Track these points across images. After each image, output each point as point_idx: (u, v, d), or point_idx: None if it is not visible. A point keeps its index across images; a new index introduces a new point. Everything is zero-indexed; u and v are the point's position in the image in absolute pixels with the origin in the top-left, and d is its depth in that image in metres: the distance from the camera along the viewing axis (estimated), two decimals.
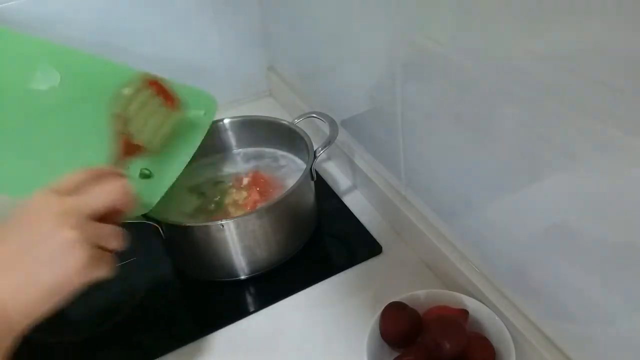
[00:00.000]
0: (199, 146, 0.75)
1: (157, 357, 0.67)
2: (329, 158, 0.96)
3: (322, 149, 0.76)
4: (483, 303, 0.62)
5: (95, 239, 0.46)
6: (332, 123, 0.79)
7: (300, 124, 0.82)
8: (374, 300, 0.69)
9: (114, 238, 0.49)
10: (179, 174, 0.67)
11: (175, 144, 0.69)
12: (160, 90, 0.66)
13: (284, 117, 0.86)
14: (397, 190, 0.78)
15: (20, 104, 0.66)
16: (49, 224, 0.44)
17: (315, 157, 0.75)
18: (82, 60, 0.72)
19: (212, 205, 0.80)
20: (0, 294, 0.44)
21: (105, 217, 0.49)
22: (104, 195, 0.49)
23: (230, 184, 0.83)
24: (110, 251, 0.49)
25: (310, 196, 0.79)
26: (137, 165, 0.64)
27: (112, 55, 0.77)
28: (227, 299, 0.74)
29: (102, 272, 0.47)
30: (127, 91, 0.62)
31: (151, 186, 0.65)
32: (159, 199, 0.65)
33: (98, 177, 0.50)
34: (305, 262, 0.77)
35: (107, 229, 0.48)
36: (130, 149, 0.61)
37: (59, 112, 0.67)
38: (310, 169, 0.75)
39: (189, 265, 0.77)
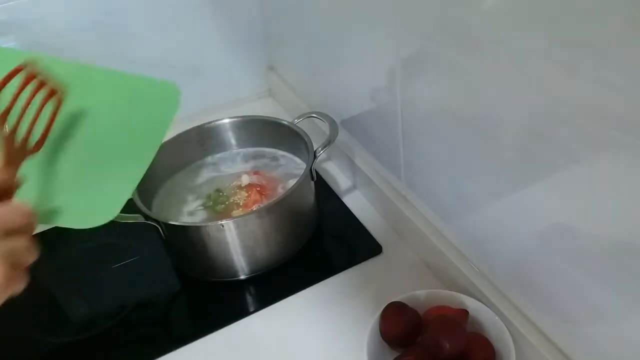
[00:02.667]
0: (201, 147, 0.73)
1: (157, 357, 0.67)
2: (329, 158, 0.96)
3: (322, 149, 0.76)
4: (483, 303, 0.62)
5: (8, 256, 0.46)
6: (332, 123, 0.79)
7: (300, 124, 0.82)
8: (374, 300, 0.69)
9: (26, 252, 0.48)
10: (143, 173, 0.61)
11: (135, 141, 0.62)
12: (30, 77, 0.55)
13: (284, 117, 0.86)
14: (397, 190, 0.78)
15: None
16: None
17: (315, 157, 0.75)
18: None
19: (213, 205, 0.80)
20: None
21: (13, 232, 0.48)
22: (2, 220, 0.47)
23: (231, 184, 0.83)
24: (23, 265, 0.48)
25: (310, 196, 0.79)
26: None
27: (111, 57, 0.76)
28: (227, 299, 0.74)
29: (18, 286, 0.47)
30: None
31: (115, 186, 0.59)
32: (125, 200, 0.59)
33: None
34: (305, 262, 0.77)
35: (19, 242, 0.47)
36: (15, 153, 0.53)
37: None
38: (310, 169, 0.75)
39: (189, 265, 0.77)
